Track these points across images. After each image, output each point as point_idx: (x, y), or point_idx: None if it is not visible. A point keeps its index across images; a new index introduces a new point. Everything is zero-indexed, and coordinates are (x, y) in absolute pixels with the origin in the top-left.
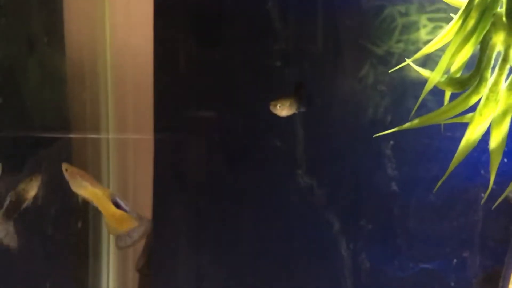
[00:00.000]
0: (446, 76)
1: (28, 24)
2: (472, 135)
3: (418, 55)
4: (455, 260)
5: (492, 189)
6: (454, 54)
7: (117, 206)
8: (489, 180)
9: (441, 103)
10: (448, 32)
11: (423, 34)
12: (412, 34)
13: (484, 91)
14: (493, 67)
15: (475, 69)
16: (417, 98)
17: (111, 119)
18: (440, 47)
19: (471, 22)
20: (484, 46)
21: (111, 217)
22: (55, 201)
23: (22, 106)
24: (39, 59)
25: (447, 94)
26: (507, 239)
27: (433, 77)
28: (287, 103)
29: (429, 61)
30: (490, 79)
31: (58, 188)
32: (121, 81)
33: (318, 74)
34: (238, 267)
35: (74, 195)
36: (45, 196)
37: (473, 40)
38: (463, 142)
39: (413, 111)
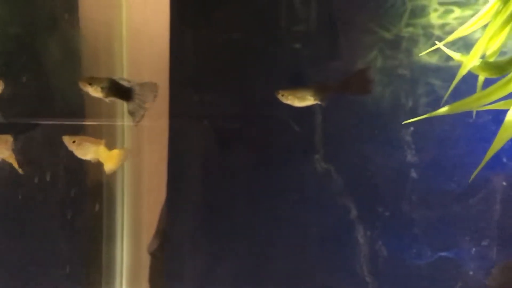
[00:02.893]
0: (481, 60)
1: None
2: None
3: (451, 38)
4: (474, 249)
5: None
6: (492, 37)
7: (118, 85)
8: (511, 168)
9: (453, 90)
10: (485, 14)
11: (434, 18)
12: (422, 18)
13: None
14: None
15: None
16: (428, 84)
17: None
18: (475, 29)
19: None
20: None
21: (108, 160)
22: (75, 184)
23: (43, 86)
24: (57, 38)
25: (481, 80)
26: None
27: (468, 61)
28: (297, 94)
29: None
30: None
31: (76, 172)
32: (137, 64)
33: (333, 58)
34: (253, 251)
35: (91, 178)
36: (65, 180)
37: None
38: (503, 129)
39: (445, 97)
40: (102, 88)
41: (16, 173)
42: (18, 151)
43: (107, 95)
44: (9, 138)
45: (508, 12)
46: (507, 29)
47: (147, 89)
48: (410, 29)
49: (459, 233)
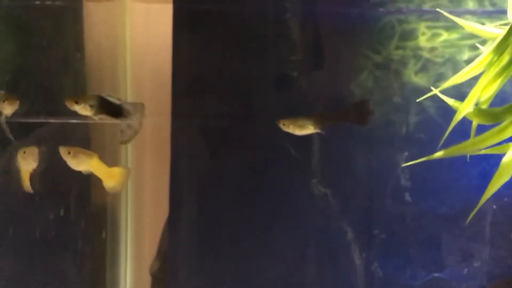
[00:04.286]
0: (475, 107)
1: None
2: (506, 170)
3: (446, 85)
4: (466, 270)
5: (504, 201)
6: (486, 87)
7: (108, 102)
8: (500, 192)
9: (441, 111)
10: (479, 64)
11: (422, 41)
12: (411, 41)
13: None
14: None
15: None
16: (419, 104)
17: None
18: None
19: (507, 57)
20: None
21: (108, 177)
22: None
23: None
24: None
25: (474, 126)
26: None
27: (463, 108)
28: (298, 123)
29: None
30: None
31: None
32: (140, 80)
33: (329, 83)
34: (251, 273)
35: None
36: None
37: (505, 74)
38: (498, 174)
39: (443, 139)
40: (91, 106)
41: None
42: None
43: (96, 113)
44: (35, 150)
45: (501, 64)
46: (500, 80)
47: (136, 109)
48: (400, 51)
49: (452, 255)
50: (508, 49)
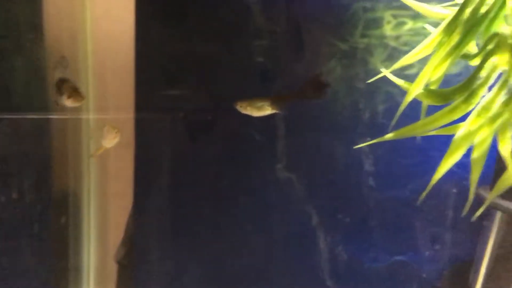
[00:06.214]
0: (425, 88)
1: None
2: (457, 149)
3: (396, 66)
4: (427, 253)
5: (463, 184)
6: (436, 67)
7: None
8: (460, 175)
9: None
10: (429, 45)
11: (387, 29)
12: (377, 29)
13: (473, 107)
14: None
15: (464, 84)
16: (386, 92)
17: (92, 101)
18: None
19: (456, 37)
20: (482, 64)
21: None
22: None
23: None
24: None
25: (424, 107)
26: (477, 234)
27: (413, 88)
28: (255, 104)
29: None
30: (484, 96)
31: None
32: (102, 66)
33: (292, 69)
34: (218, 258)
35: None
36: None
37: (455, 54)
38: (447, 156)
39: (393, 121)
40: None
41: None
42: None
43: None
44: None
45: (451, 44)
46: (449, 60)
47: (62, 65)
48: (366, 40)
49: (413, 238)
50: (457, 30)
